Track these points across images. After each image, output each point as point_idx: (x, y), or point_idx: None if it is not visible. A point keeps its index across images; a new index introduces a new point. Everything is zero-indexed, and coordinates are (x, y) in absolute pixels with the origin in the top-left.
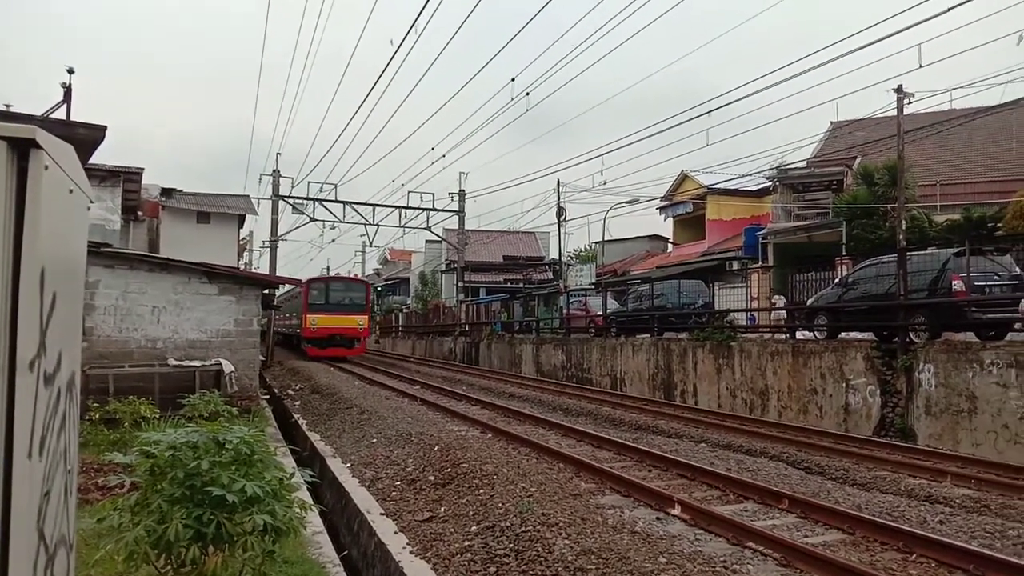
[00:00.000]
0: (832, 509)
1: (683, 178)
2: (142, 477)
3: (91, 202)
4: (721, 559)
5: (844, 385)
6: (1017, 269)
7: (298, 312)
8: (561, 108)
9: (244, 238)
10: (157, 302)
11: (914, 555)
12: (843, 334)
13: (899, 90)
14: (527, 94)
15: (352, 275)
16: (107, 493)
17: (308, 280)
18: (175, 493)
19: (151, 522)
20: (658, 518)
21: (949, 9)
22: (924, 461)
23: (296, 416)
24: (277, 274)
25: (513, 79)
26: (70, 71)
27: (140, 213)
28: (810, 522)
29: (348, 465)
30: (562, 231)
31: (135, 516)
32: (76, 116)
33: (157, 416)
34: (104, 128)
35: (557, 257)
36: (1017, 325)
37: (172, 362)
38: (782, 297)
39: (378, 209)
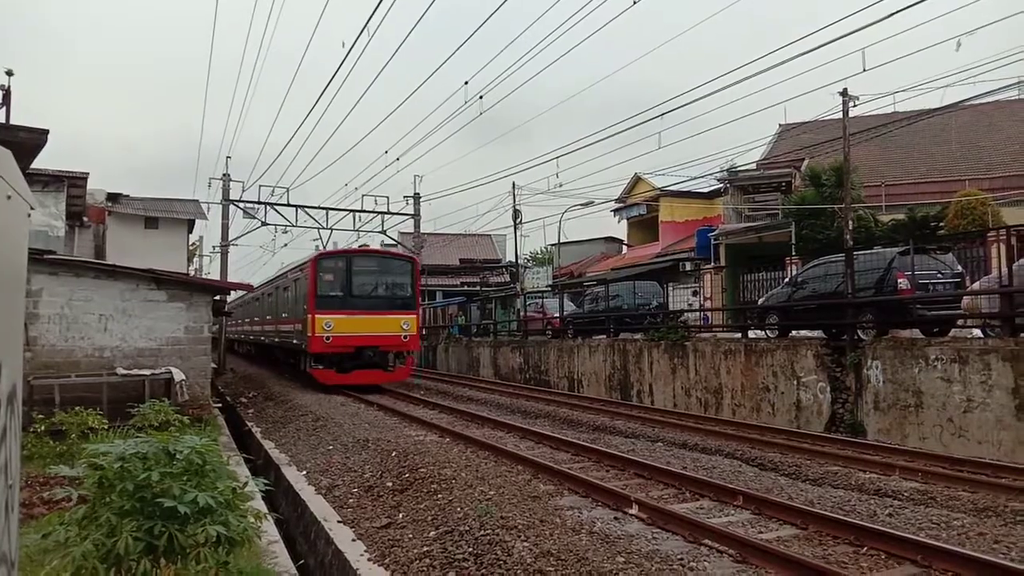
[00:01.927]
0: (785, 505)
1: (636, 180)
2: (90, 490)
3: (32, 208)
4: (678, 557)
5: (795, 383)
6: (959, 267)
7: (294, 310)
8: (515, 111)
9: (194, 243)
10: (104, 310)
11: (865, 548)
12: (794, 333)
13: (844, 93)
14: (480, 97)
15: (386, 247)
16: (53, 507)
17: (318, 256)
18: (125, 505)
19: (100, 536)
20: (616, 518)
21: (891, 14)
22: (873, 456)
23: (250, 424)
24: (228, 280)
25: (466, 82)
26: (9, 73)
27: (86, 219)
28: (764, 518)
29: (304, 473)
30: (518, 233)
31: (83, 530)
32: (16, 121)
33: (105, 427)
34: (46, 132)
35: (514, 260)
36: (960, 321)
37: (120, 371)
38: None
39: (332, 213)
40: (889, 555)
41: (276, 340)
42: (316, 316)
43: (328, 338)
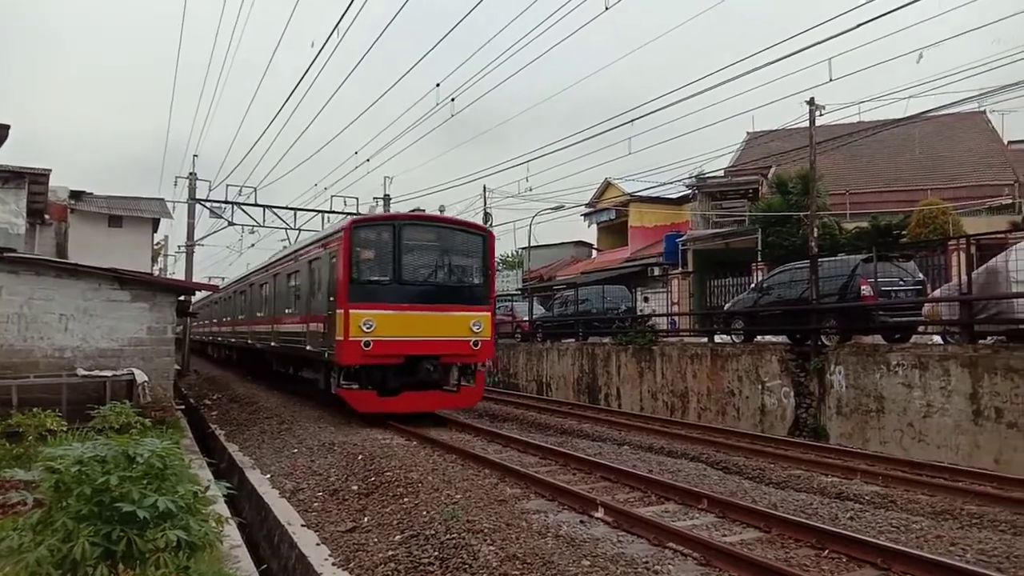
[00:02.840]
0: (749, 508)
1: (607, 185)
2: (46, 494)
3: None
4: (643, 560)
5: (760, 387)
6: (920, 275)
7: (309, 304)
8: (486, 114)
9: (159, 243)
10: (65, 309)
11: (826, 551)
12: (759, 338)
13: (811, 102)
14: (452, 100)
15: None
16: (7, 512)
17: (353, 223)
18: (82, 510)
19: (55, 541)
20: (582, 521)
21: (857, 26)
22: (835, 460)
23: (213, 427)
24: (194, 280)
25: (438, 84)
26: None
27: (47, 216)
28: (728, 521)
29: (268, 476)
30: None
31: (37, 535)
32: None
33: (64, 429)
34: (7, 127)
35: None
36: (921, 328)
37: (81, 372)
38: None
39: (300, 213)
40: (850, 558)
41: (272, 345)
42: (351, 312)
43: (368, 344)
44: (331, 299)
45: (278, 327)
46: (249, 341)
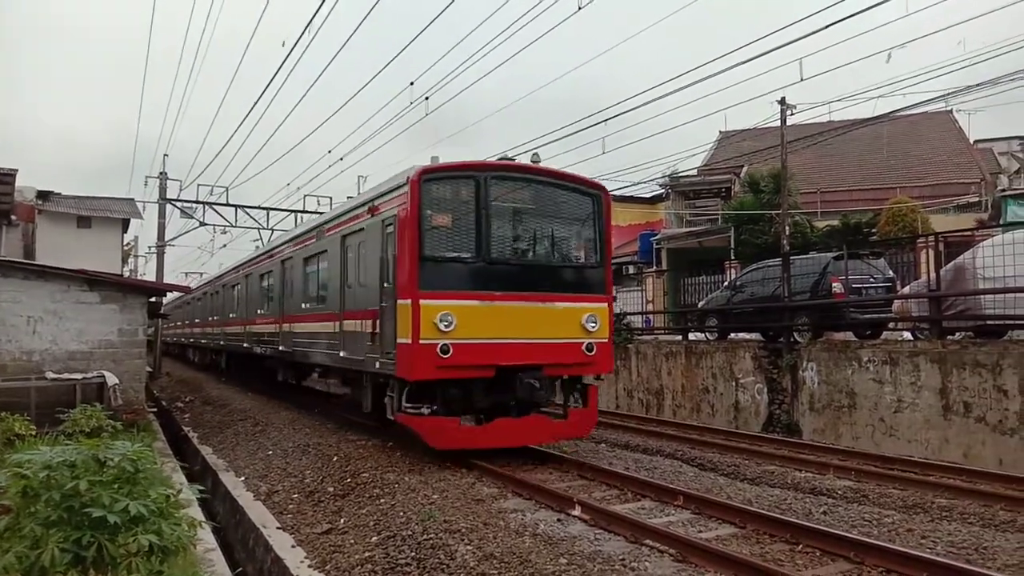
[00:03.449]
0: (724, 504)
1: None
2: (13, 500)
3: None
4: (620, 557)
5: (734, 384)
6: (891, 272)
7: (351, 295)
8: (461, 113)
9: (129, 243)
10: (33, 312)
11: (801, 545)
12: (733, 335)
13: (783, 102)
14: (426, 99)
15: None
16: None
17: (422, 173)
18: (51, 516)
19: (23, 548)
20: (559, 520)
21: (828, 26)
22: (809, 455)
23: (186, 429)
24: (165, 281)
25: (412, 83)
26: None
27: (14, 217)
28: (704, 517)
29: (242, 479)
30: None
31: (5, 542)
32: None
33: (33, 433)
34: None
35: None
36: (891, 324)
37: (50, 375)
38: None
39: (273, 213)
40: (824, 552)
41: (281, 350)
42: (422, 303)
43: (446, 349)
44: (385, 285)
45: (291, 327)
46: (245, 344)
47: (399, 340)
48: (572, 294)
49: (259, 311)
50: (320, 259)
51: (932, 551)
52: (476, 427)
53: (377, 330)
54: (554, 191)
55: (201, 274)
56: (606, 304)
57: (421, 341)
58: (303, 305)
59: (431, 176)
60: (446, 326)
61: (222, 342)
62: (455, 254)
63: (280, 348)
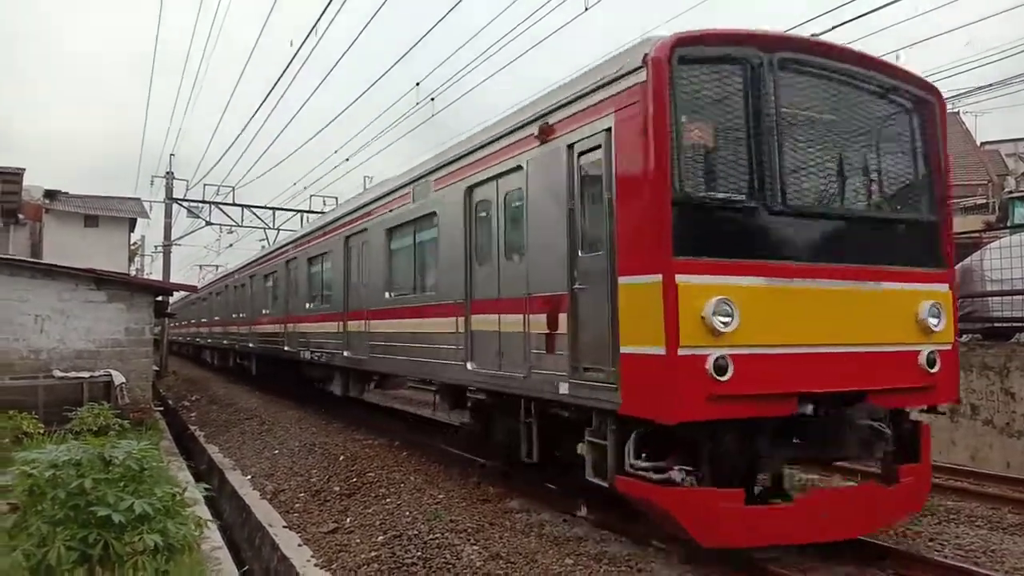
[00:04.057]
0: None
1: None
2: (20, 498)
3: None
4: (626, 558)
5: None
6: None
7: (490, 260)
8: (467, 114)
9: (136, 243)
10: (41, 310)
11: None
12: None
13: None
14: (432, 99)
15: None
16: None
17: (676, 43)
18: (57, 514)
19: (30, 546)
20: (565, 520)
21: (834, 27)
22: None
23: (193, 428)
24: (171, 280)
25: (418, 84)
26: None
27: (21, 216)
28: None
29: (249, 477)
30: None
31: (12, 540)
32: None
33: (41, 431)
34: None
35: None
36: None
37: (58, 373)
38: None
39: (279, 213)
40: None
41: (349, 356)
42: (680, 280)
43: (723, 365)
44: (579, 255)
45: (365, 325)
46: (286, 348)
47: (630, 349)
48: (901, 267)
49: (307, 306)
50: (418, 228)
51: (940, 554)
52: (772, 507)
53: (562, 330)
54: (866, 94)
55: (217, 267)
56: (946, 284)
57: (682, 351)
58: (386, 295)
59: (690, 52)
60: (724, 323)
61: (251, 344)
62: (727, 195)
63: (345, 354)
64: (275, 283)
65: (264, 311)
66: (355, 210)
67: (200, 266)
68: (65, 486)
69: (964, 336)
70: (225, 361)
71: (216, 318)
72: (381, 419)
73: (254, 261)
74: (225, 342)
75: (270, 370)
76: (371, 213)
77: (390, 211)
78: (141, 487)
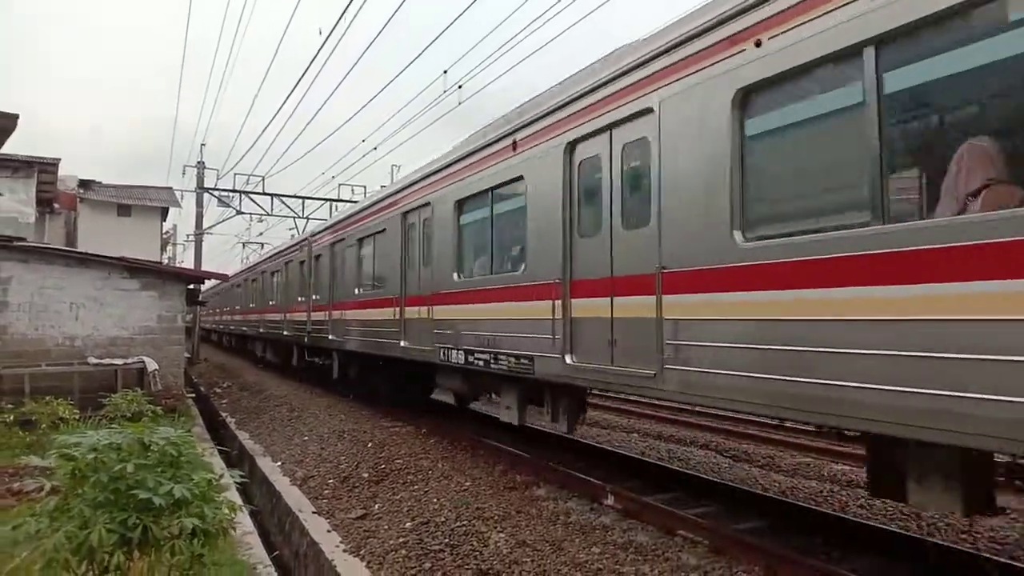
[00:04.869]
0: (760, 496)
1: None
2: (62, 481)
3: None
4: (653, 547)
5: None
6: None
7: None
8: (494, 102)
9: (168, 231)
10: (75, 298)
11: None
12: None
13: None
14: (459, 87)
15: None
16: (23, 498)
17: None
18: (98, 497)
19: (72, 528)
20: (592, 509)
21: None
22: (845, 447)
23: (224, 414)
24: (203, 268)
25: (445, 71)
26: None
27: (56, 206)
28: (739, 508)
29: (279, 464)
30: None
31: (54, 522)
32: None
33: (76, 417)
34: (16, 117)
35: None
36: None
37: (92, 360)
38: None
39: (308, 202)
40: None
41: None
42: None
43: None
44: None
45: (483, 310)
46: (376, 339)
47: None
48: None
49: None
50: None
51: (972, 547)
52: None
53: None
54: None
55: (262, 245)
56: None
57: None
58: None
59: None
60: None
61: (285, 332)
62: None
63: (403, 344)
64: (338, 264)
65: (346, 293)
66: (446, 166)
67: (243, 243)
68: (107, 470)
69: None
70: (274, 352)
71: (271, 303)
72: (407, 406)
73: (307, 238)
74: (273, 332)
75: (360, 367)
76: (478, 166)
77: (462, 179)
78: (179, 472)
